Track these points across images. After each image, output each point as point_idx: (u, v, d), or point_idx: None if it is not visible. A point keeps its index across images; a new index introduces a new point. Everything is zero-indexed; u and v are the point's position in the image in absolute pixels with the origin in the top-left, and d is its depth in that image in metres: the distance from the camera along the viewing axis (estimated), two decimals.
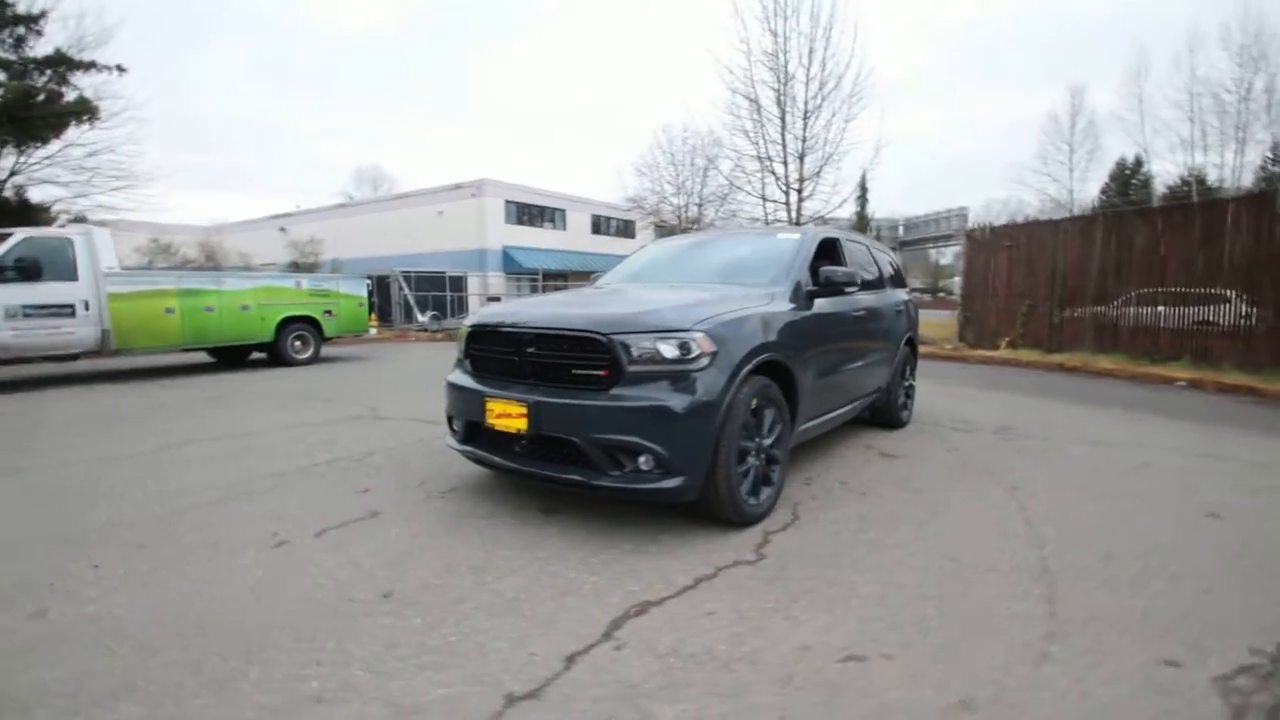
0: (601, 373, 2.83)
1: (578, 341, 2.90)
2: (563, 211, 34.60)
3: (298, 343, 10.54)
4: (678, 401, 2.71)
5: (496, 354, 3.22)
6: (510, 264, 30.18)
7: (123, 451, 4.59)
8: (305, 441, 4.86)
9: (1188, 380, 8.60)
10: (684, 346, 2.76)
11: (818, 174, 18.50)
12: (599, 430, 2.76)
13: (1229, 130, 35.70)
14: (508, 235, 31.14)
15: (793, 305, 3.57)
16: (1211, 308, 9.90)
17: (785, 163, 18.32)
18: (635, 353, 2.76)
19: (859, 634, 2.10)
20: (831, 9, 21.30)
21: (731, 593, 2.39)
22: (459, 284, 22.95)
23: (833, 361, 3.99)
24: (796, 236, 4.19)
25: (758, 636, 2.08)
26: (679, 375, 2.75)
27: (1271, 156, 35.96)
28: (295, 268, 28.61)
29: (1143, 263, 10.79)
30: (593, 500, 3.35)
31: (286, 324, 10.28)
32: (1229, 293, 9.71)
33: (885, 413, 5.24)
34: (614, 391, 2.78)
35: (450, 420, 3.55)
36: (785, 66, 17.51)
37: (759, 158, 18.68)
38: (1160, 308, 10.56)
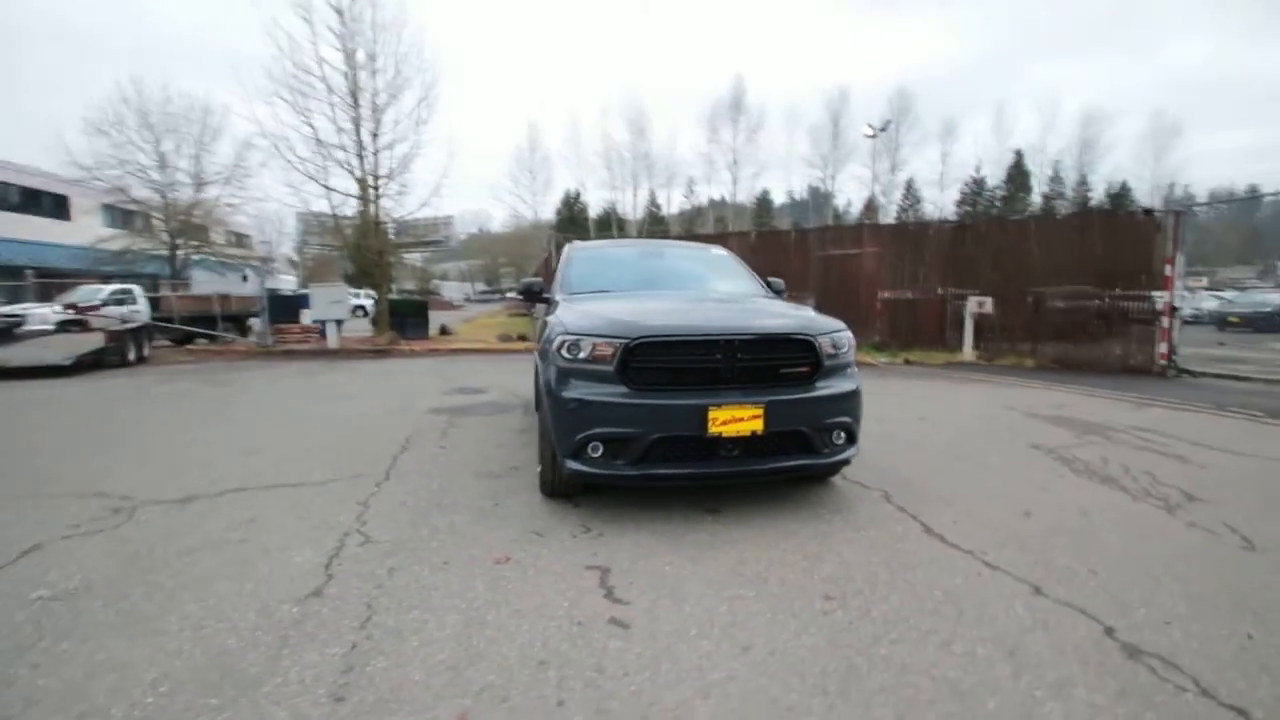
0: (805, 369, 3.26)
1: (788, 344, 3.27)
2: None
3: None
4: (857, 385, 3.41)
5: (689, 364, 3.16)
6: None
7: None
8: (152, 558, 2.74)
9: None
10: (846, 341, 3.46)
11: (390, 175, 17.70)
12: (823, 417, 3.21)
13: (628, 177, 52.30)
14: None
15: None
16: None
17: (361, 155, 16.93)
18: (830, 349, 3.31)
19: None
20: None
21: (977, 521, 3.19)
22: None
23: None
24: (725, 252, 5.06)
25: (1061, 536, 3.00)
26: (847, 365, 3.44)
27: (651, 197, 54.45)
28: None
29: None
30: (739, 490, 3.55)
31: None
32: None
33: None
34: (818, 383, 3.25)
35: (587, 446, 3.02)
36: (355, 52, 16.18)
37: (319, 140, 16.54)
38: None
